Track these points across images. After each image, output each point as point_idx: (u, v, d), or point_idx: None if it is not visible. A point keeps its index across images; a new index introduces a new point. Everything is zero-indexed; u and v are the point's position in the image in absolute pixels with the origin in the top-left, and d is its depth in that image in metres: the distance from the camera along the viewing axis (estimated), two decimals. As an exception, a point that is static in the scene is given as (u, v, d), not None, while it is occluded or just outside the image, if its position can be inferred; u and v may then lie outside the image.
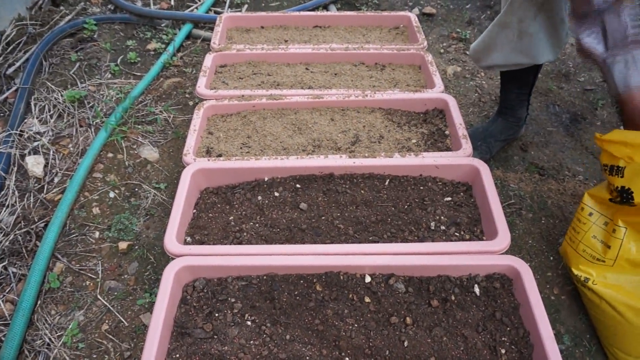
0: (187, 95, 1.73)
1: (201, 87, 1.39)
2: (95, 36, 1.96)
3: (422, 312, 0.93)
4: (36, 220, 1.29)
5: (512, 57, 1.22)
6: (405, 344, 0.88)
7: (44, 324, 1.10)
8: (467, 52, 1.94)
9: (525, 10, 1.13)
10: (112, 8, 2.14)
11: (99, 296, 1.16)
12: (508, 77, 1.35)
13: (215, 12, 2.15)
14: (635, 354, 1.01)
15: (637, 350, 1.01)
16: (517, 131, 1.49)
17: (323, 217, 1.08)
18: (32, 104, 1.62)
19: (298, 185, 1.15)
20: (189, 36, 2.00)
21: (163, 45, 1.94)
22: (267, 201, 1.12)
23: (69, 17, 2.03)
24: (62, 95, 1.65)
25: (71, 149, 1.51)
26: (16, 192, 1.36)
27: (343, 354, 0.87)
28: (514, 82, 1.35)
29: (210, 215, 1.11)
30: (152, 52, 1.93)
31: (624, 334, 1.01)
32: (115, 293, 1.17)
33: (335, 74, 1.51)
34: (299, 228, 1.06)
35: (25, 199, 1.35)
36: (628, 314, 0.98)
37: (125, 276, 1.20)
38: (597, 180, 1.44)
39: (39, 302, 1.14)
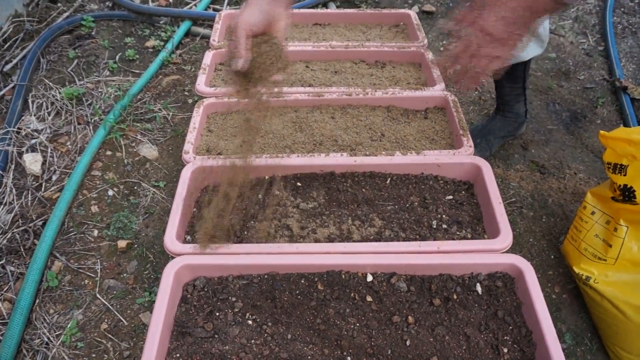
0: (186, 93, 1.72)
1: (201, 84, 1.38)
2: (93, 33, 1.95)
3: (424, 311, 0.92)
4: (34, 218, 1.28)
5: None
6: (408, 343, 0.88)
7: (42, 323, 1.09)
8: (467, 50, 1.93)
9: None
10: (110, 5, 2.13)
11: (98, 295, 1.15)
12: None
13: (214, 10, 2.14)
14: (636, 352, 1.01)
15: (639, 349, 1.01)
16: (516, 128, 1.49)
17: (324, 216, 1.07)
18: (30, 101, 1.61)
19: (299, 184, 1.14)
20: (187, 33, 1.99)
21: (162, 43, 1.93)
22: (267, 199, 1.11)
23: (67, 13, 2.02)
24: (60, 93, 1.64)
25: (69, 146, 1.50)
26: (14, 190, 1.35)
27: (345, 353, 0.87)
28: (505, 76, 1.37)
29: (211, 213, 1.10)
30: (151, 50, 1.91)
31: (625, 332, 1.01)
32: (115, 292, 1.16)
33: (336, 72, 1.50)
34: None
35: (23, 197, 1.34)
36: (629, 313, 0.98)
37: (125, 275, 1.20)
38: (598, 179, 1.44)
39: (37, 301, 1.13)
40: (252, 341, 0.88)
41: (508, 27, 0.75)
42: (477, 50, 0.77)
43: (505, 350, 0.88)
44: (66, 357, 1.04)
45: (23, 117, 1.56)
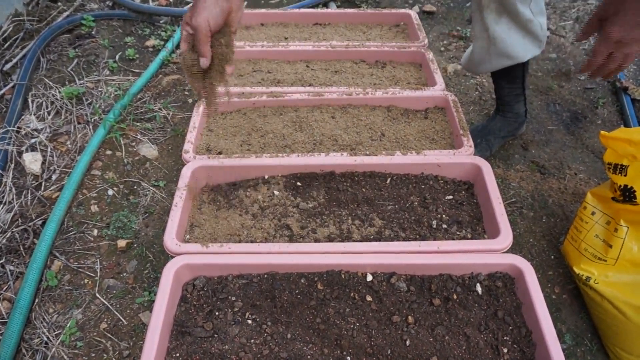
0: (186, 93, 1.72)
1: (201, 84, 1.37)
2: (93, 32, 1.95)
3: (424, 311, 0.92)
4: (34, 217, 1.28)
5: (497, 62, 1.27)
6: (407, 343, 0.87)
7: (41, 323, 1.09)
8: (468, 51, 1.93)
9: (485, 19, 1.19)
10: (111, 4, 2.13)
11: (97, 294, 1.15)
12: (497, 74, 1.37)
13: (215, 9, 2.14)
14: (637, 352, 1.01)
15: (639, 349, 1.01)
16: (517, 128, 1.49)
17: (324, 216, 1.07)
18: (30, 100, 1.61)
19: (299, 184, 1.14)
20: (187, 33, 1.99)
21: (162, 42, 1.93)
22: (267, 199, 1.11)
23: (67, 13, 2.01)
24: (59, 92, 1.64)
25: (69, 146, 1.50)
26: (13, 189, 1.35)
27: (344, 352, 0.87)
28: (503, 77, 1.38)
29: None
30: (151, 49, 1.91)
31: (625, 332, 1.00)
32: (114, 291, 1.16)
33: (336, 72, 1.50)
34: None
35: (23, 197, 1.34)
36: (630, 313, 0.98)
37: (124, 274, 1.19)
38: (598, 179, 1.43)
39: (36, 301, 1.12)
40: (252, 341, 0.88)
41: (634, 30, 0.78)
42: (609, 56, 0.84)
43: (505, 350, 0.87)
44: (65, 357, 1.04)
45: (23, 117, 1.56)
